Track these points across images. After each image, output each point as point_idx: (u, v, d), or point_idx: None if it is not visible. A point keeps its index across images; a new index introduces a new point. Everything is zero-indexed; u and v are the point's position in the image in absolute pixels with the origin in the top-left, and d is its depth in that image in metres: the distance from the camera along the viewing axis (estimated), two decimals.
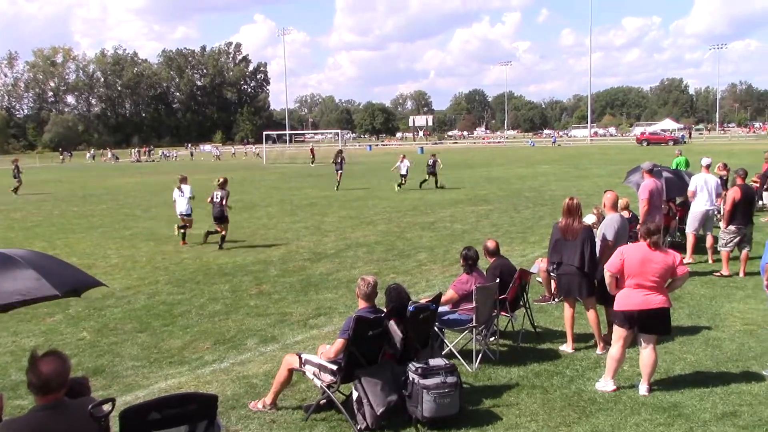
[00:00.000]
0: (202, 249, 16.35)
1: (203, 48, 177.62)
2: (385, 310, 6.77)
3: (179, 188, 17.51)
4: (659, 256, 6.91)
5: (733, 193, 12.46)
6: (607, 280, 7.18)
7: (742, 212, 12.38)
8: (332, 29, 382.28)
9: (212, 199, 16.58)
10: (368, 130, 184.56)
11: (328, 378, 6.58)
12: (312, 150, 61.33)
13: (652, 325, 6.99)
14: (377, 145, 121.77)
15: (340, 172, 33.59)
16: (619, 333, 7.15)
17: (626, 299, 6.99)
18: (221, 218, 16.48)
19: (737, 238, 12.42)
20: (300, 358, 6.79)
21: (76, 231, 20.52)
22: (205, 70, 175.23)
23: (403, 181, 31.94)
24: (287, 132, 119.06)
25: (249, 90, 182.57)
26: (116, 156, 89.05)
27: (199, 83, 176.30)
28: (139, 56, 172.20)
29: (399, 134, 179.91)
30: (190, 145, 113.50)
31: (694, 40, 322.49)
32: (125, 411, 4.16)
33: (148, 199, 30.18)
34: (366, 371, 6.46)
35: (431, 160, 32.49)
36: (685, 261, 12.89)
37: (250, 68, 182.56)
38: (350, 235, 18.14)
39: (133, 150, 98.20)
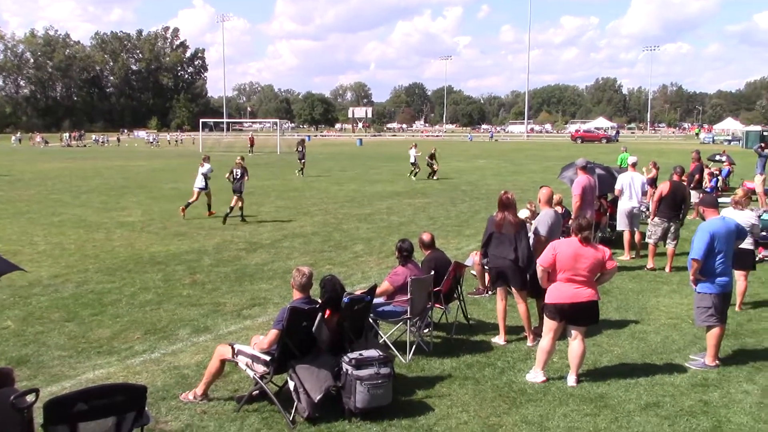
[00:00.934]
0: (137, 237, 16.05)
1: (139, 32, 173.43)
2: (320, 301, 6.76)
3: (202, 165, 20.13)
4: (590, 252, 7.09)
5: (662, 187, 12.93)
6: (540, 274, 7.33)
7: (669, 206, 12.79)
8: (273, 17, 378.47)
9: (233, 175, 19.05)
10: (307, 120, 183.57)
11: (261, 369, 6.53)
12: (251, 139, 60.66)
13: (581, 317, 7.19)
14: (316, 136, 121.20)
15: (303, 160, 34.58)
16: (549, 325, 7.31)
17: (557, 292, 7.16)
18: (239, 191, 18.86)
19: (660, 231, 12.85)
20: (233, 348, 6.72)
21: (1, 216, 19.82)
22: (140, 55, 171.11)
23: (414, 170, 32.91)
24: (225, 120, 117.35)
25: (186, 76, 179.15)
26: (45, 140, 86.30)
27: (134, 68, 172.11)
28: (72, 38, 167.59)
29: (338, 125, 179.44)
30: (126, 130, 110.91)
31: (629, 41, 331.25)
32: (49, 402, 4.05)
33: (78, 185, 29.36)
34: (300, 361, 6.44)
35: (431, 153, 33.54)
36: (622, 258, 13.31)
37: (188, 54, 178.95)
38: (287, 225, 18.04)
39: (63, 134, 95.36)
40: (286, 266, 12.76)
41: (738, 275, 10.07)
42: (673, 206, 12.84)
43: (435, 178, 32.37)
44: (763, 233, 14.63)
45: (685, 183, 17.32)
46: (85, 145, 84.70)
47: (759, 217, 14.83)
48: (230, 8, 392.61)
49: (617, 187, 14.07)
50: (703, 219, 8.25)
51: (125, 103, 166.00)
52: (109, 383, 6.55)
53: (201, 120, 76.69)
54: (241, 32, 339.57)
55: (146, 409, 4.41)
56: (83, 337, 8.81)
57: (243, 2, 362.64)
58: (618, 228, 14.33)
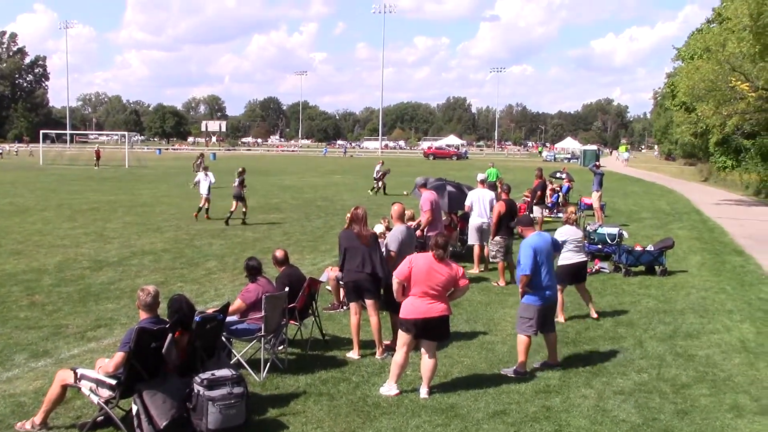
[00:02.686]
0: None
1: None
2: (169, 321, 6.56)
3: (205, 174, 22.65)
4: (444, 268, 7.34)
5: (499, 207, 13.48)
6: (395, 287, 7.47)
7: (507, 225, 13.29)
8: (122, 26, 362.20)
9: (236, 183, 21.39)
10: (158, 134, 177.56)
11: (106, 393, 6.24)
12: (97, 152, 57.88)
13: (433, 332, 7.39)
14: (167, 149, 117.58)
15: (195, 172, 35.13)
16: (404, 339, 7.46)
17: (412, 307, 7.32)
18: (240, 198, 21.17)
19: (504, 249, 13.36)
20: (75, 373, 6.38)
21: None
22: None
23: (376, 186, 33.92)
24: (68, 131, 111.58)
25: (25, 84, 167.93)
26: None
27: None
28: None
29: (191, 139, 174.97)
30: None
31: (478, 62, 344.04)
32: None
33: None
34: (147, 384, 6.21)
35: (380, 171, 34.33)
36: (472, 272, 13.81)
37: (27, 61, 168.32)
38: (135, 242, 17.36)
39: None
40: (134, 285, 12.25)
41: (580, 286, 10.77)
42: (510, 224, 13.42)
43: (376, 192, 33.43)
44: (598, 246, 15.71)
45: (525, 198, 18.29)
46: None
47: (595, 231, 15.91)
48: (75, 15, 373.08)
49: (467, 203, 14.71)
50: (523, 237, 8.73)
51: None
52: None
53: (42, 131, 72.44)
54: (86, 40, 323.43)
55: None
56: None
57: (89, 9, 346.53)
58: (469, 242, 14.88)
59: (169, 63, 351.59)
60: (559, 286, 10.62)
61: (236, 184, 21.33)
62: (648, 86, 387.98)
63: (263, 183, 36.83)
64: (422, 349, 7.51)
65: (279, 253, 9.17)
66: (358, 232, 8.68)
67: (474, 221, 14.40)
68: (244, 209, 21.33)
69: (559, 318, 10.38)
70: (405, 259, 7.57)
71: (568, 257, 10.70)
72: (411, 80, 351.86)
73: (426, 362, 7.45)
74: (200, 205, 22.08)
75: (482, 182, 15.13)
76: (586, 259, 11.19)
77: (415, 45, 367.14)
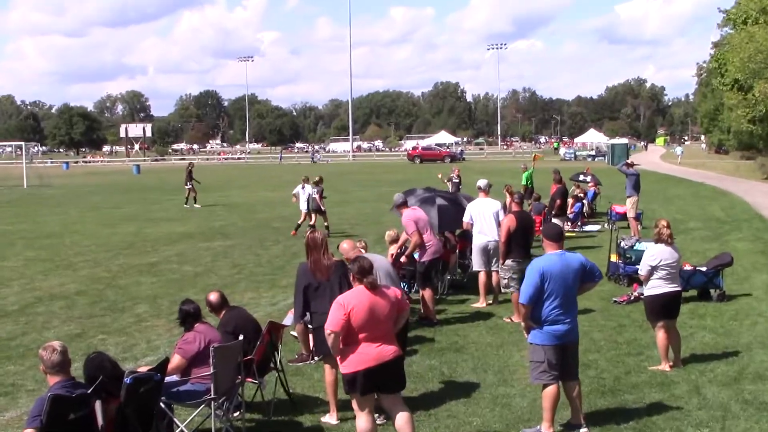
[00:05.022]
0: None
1: None
2: (89, 384, 6.50)
3: (303, 186, 25.68)
4: (382, 297, 7.20)
5: (508, 222, 13.02)
6: (331, 341, 7.16)
7: (519, 244, 13.01)
8: (12, 6, 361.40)
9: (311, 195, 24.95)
10: (64, 142, 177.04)
11: None
12: None
13: (390, 379, 7.24)
14: (77, 162, 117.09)
15: (188, 187, 36.50)
16: (358, 401, 7.21)
17: (358, 357, 7.09)
18: (319, 210, 25.09)
19: (518, 275, 12.58)
20: None
21: None
22: None
23: None
24: None
25: None
26: None
27: None
28: None
29: (107, 148, 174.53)
30: None
31: (472, 37, 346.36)
32: None
33: None
34: None
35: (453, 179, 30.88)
36: (478, 305, 13.80)
37: None
38: (41, 284, 17.23)
39: None
40: (42, 339, 12.12)
41: (670, 324, 10.55)
42: (524, 243, 13.15)
43: None
44: (636, 266, 15.72)
45: (529, 211, 18.05)
46: None
47: (631, 247, 15.95)
48: None
49: (465, 219, 14.31)
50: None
51: None
52: None
53: None
54: None
55: None
56: None
57: None
58: (473, 268, 14.62)
59: (74, 52, 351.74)
60: (655, 324, 10.54)
61: (315, 195, 24.91)
62: (689, 61, 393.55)
63: (203, 201, 36.71)
64: (387, 408, 7.42)
65: (213, 297, 9.12)
66: (313, 262, 8.70)
67: (477, 241, 14.07)
68: (325, 222, 25.06)
69: (663, 366, 10.34)
70: (336, 305, 7.24)
71: (657, 285, 10.43)
72: (388, 63, 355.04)
73: (401, 421, 7.24)
74: (310, 223, 24.84)
75: (484, 190, 14.66)
76: (680, 288, 10.85)
77: (391, 18, 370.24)
